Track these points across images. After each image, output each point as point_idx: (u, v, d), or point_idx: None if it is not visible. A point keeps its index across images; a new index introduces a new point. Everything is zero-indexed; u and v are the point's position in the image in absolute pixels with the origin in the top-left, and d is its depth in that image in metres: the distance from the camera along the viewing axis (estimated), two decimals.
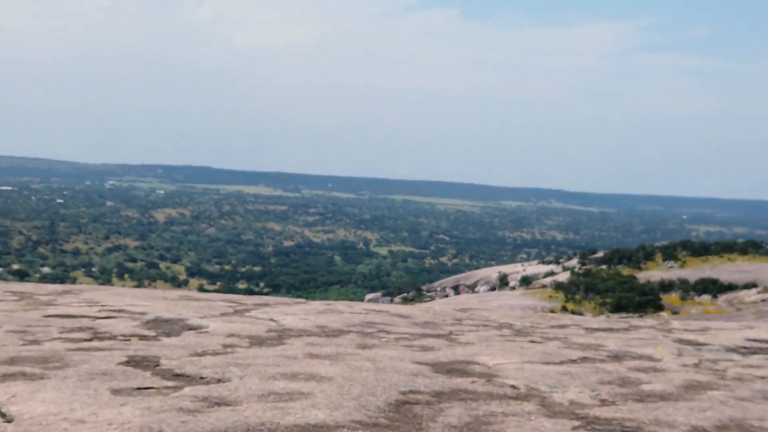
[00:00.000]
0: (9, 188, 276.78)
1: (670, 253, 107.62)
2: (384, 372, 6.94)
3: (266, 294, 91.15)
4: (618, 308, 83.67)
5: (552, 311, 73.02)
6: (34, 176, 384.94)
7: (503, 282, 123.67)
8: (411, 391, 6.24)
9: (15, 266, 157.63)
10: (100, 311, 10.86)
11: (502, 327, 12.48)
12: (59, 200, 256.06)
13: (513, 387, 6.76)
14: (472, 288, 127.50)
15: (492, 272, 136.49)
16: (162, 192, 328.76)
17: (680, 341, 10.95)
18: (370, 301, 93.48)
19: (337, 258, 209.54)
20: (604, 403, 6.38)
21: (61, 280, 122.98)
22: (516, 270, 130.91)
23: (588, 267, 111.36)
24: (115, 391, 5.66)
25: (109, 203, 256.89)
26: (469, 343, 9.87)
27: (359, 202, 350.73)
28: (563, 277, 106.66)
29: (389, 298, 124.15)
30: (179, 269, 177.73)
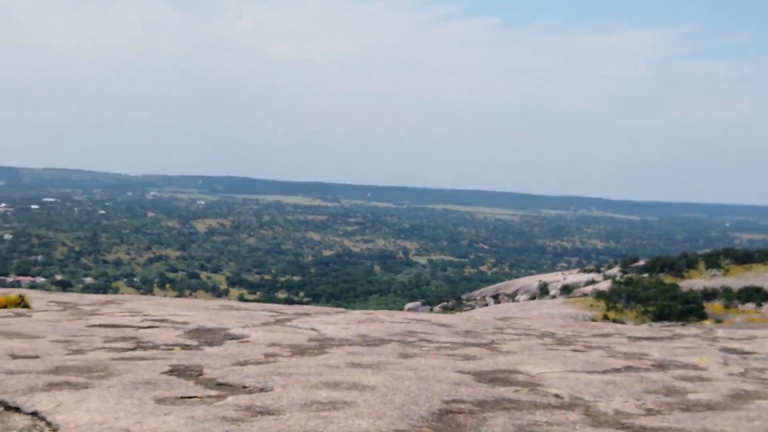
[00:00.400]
0: (52, 200, 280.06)
1: (713, 261, 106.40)
2: (426, 381, 6.90)
3: (306, 303, 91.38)
4: (660, 317, 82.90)
5: (593, 320, 72.50)
6: (76, 188, 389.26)
7: (543, 291, 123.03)
8: (454, 401, 6.20)
9: (58, 277, 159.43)
10: (142, 321, 10.93)
11: (544, 336, 12.39)
12: (101, 211, 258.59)
13: (557, 396, 6.69)
14: (512, 297, 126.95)
15: (532, 281, 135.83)
16: (202, 202, 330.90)
17: (726, 350, 10.80)
18: (409, 310, 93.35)
19: (377, 267, 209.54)
20: (649, 412, 6.30)
21: (104, 291, 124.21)
22: (556, 279, 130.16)
23: (629, 275, 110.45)
24: (159, 401, 5.68)
25: (150, 214, 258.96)
26: (511, 352, 9.81)
27: (398, 212, 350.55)
28: (604, 285, 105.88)
29: (429, 307, 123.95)
30: (220, 279, 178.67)
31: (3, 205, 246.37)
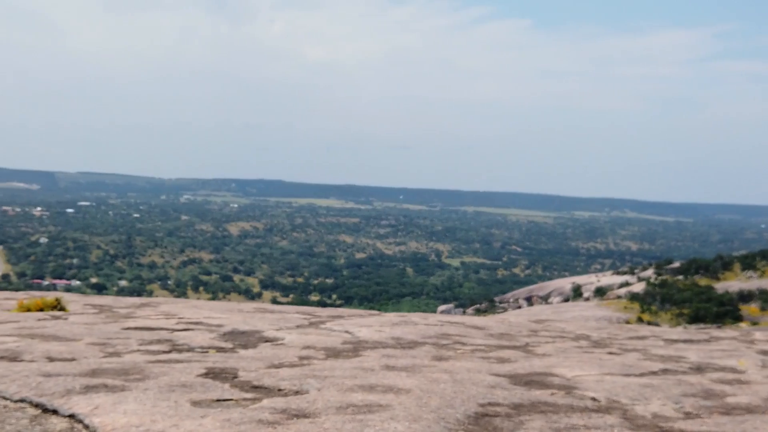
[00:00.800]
0: (88, 203, 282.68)
1: (749, 263, 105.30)
2: (462, 384, 6.87)
3: (339, 306, 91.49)
4: (695, 319, 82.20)
5: (627, 322, 72.00)
6: (111, 191, 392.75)
7: (577, 293, 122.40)
8: (490, 403, 6.16)
9: (93, 279, 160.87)
10: (177, 323, 10.97)
11: (579, 338, 12.31)
12: (136, 215, 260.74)
13: (593, 399, 6.64)
14: (545, 299, 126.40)
15: (565, 283, 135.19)
16: (235, 206, 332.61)
17: (764, 353, 10.68)
18: (442, 312, 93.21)
19: (409, 270, 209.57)
20: (688, 416, 6.23)
21: (138, 293, 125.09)
22: (590, 281, 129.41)
23: (664, 277, 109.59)
24: (195, 403, 5.69)
25: (184, 217, 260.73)
26: (546, 354, 9.75)
27: (431, 214, 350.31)
28: (638, 287, 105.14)
29: (462, 309, 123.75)
30: (253, 282, 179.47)
31: (39, 208, 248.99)
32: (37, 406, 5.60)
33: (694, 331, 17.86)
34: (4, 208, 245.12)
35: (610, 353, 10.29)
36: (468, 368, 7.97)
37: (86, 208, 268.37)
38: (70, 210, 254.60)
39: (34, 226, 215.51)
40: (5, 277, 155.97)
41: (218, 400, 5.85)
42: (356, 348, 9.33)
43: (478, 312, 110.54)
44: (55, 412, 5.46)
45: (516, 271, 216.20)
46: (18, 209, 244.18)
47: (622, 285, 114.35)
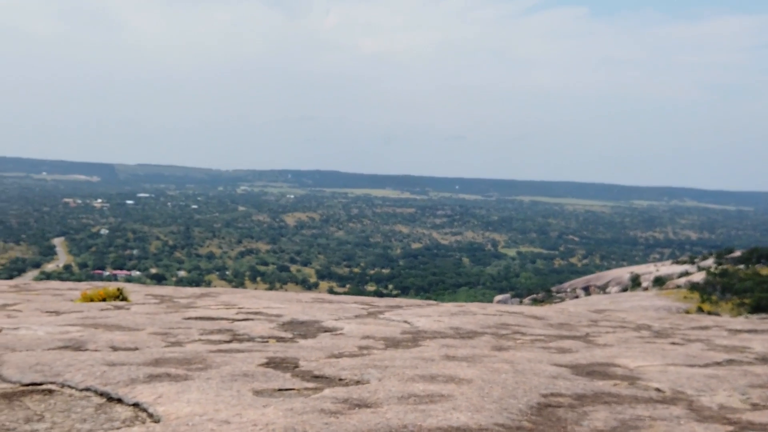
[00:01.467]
0: (147, 195, 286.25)
1: None
2: (523, 374, 6.82)
3: (395, 296, 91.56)
4: (757, 309, 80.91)
5: (687, 312, 71.06)
6: (170, 183, 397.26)
7: (635, 283, 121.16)
8: (552, 394, 6.10)
9: (153, 270, 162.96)
10: (237, 313, 11.05)
11: (640, 328, 12.16)
12: (194, 206, 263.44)
13: (658, 390, 6.54)
14: (603, 289, 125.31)
15: (623, 273, 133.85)
16: (292, 196, 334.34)
17: None
18: (499, 302, 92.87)
19: (465, 260, 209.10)
20: (755, 407, 6.11)
21: (197, 283, 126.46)
22: (648, 270, 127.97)
23: (725, 267, 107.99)
24: (257, 393, 5.71)
25: (241, 208, 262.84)
26: (607, 344, 9.64)
27: (487, 204, 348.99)
28: (698, 277, 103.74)
29: (518, 299, 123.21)
30: (309, 272, 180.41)
31: (100, 200, 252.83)
32: (101, 394, 5.67)
33: (757, 320, 17.56)
34: (66, 200, 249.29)
35: (673, 343, 10.14)
36: (528, 358, 7.91)
37: (145, 199, 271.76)
38: (129, 201, 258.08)
39: (95, 218, 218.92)
40: (67, 267, 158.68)
41: (280, 390, 5.87)
42: (415, 338, 9.32)
43: (535, 302, 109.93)
44: (119, 400, 5.51)
45: (573, 260, 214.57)
46: (79, 201, 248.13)
47: (681, 275, 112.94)
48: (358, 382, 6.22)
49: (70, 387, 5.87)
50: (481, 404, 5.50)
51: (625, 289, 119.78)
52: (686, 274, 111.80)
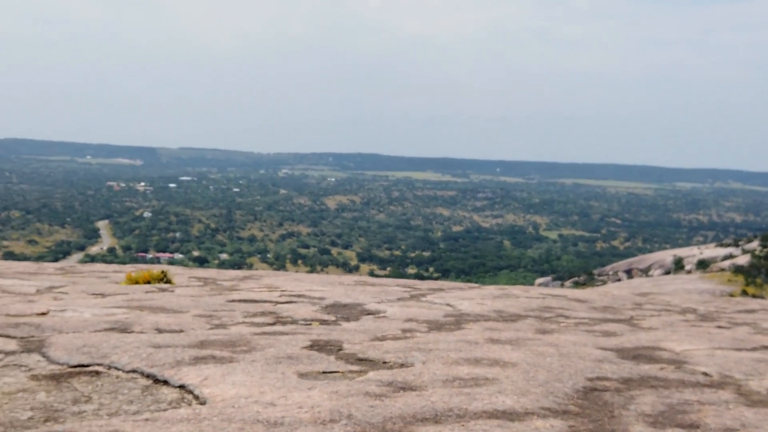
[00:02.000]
0: (189, 178, 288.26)
1: None
2: (568, 358, 6.77)
3: (435, 279, 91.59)
4: None
5: (731, 295, 70.37)
6: (212, 166, 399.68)
7: (678, 266, 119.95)
8: (598, 378, 6.05)
9: (195, 253, 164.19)
10: (280, 296, 11.09)
11: (685, 312, 12.05)
12: (235, 189, 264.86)
13: (705, 374, 6.46)
14: (645, 272, 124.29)
15: (666, 256, 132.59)
16: (333, 179, 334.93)
17: None
18: (540, 285, 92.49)
19: (506, 242, 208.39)
20: None
21: (238, 266, 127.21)
22: (692, 253, 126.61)
23: None
24: (302, 375, 5.72)
25: (282, 191, 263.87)
26: (652, 328, 9.55)
27: (528, 186, 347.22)
28: (743, 260, 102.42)
29: (560, 282, 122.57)
30: (350, 255, 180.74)
31: (143, 184, 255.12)
32: (148, 376, 5.71)
33: None
34: (110, 183, 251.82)
35: (719, 327, 10.03)
36: (573, 342, 7.85)
37: (188, 182, 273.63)
38: (172, 185, 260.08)
39: (138, 201, 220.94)
40: (111, 250, 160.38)
41: (324, 372, 5.88)
42: (458, 321, 9.29)
43: (577, 285, 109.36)
44: (165, 382, 5.55)
45: (615, 243, 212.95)
46: (123, 184, 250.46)
47: (725, 257, 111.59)
48: (402, 365, 6.21)
49: (116, 369, 5.92)
50: (526, 388, 5.46)
51: (667, 272, 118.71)
52: (730, 257, 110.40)
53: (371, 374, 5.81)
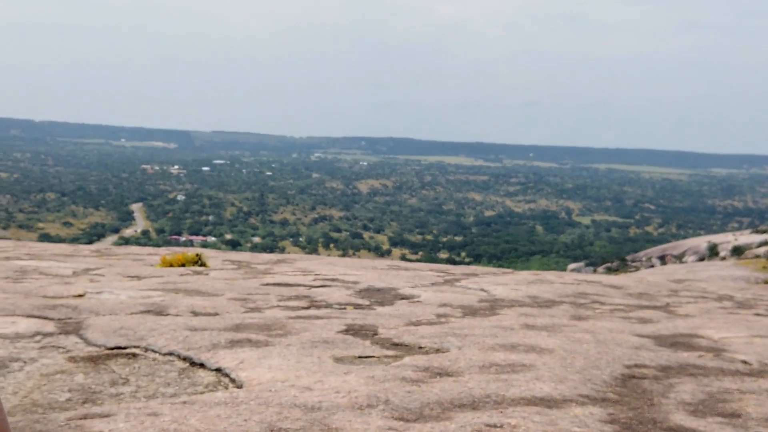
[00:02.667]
0: (222, 162, 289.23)
1: None
2: (605, 344, 6.71)
3: (467, 264, 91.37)
4: None
5: (766, 282, 69.54)
6: (245, 150, 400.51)
7: (713, 252, 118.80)
8: (636, 365, 5.99)
9: (228, 236, 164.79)
10: (314, 280, 11.09)
11: (722, 299, 11.93)
12: (268, 172, 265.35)
13: (744, 362, 6.38)
14: (679, 258, 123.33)
15: (700, 242, 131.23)
16: (365, 163, 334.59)
17: None
18: (572, 270, 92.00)
19: (539, 227, 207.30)
20: None
21: (271, 249, 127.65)
22: (726, 240, 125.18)
23: None
24: (338, 359, 5.71)
25: (314, 175, 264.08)
26: (689, 315, 9.47)
27: (561, 171, 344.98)
28: None
29: (592, 267, 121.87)
30: (382, 239, 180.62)
31: (176, 167, 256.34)
32: (184, 359, 5.72)
33: None
34: (144, 166, 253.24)
35: (757, 314, 9.93)
36: (609, 328, 7.79)
37: (221, 166, 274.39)
38: (205, 168, 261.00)
39: (171, 184, 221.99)
40: (145, 233, 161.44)
41: (360, 357, 5.86)
42: (493, 306, 9.25)
43: (609, 270, 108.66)
44: (202, 365, 5.56)
45: (648, 229, 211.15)
46: (157, 167, 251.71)
47: (761, 244, 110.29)
48: (438, 351, 6.19)
49: (153, 351, 5.94)
50: (563, 375, 5.42)
51: (702, 259, 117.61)
52: (766, 243, 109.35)
53: (407, 359, 5.79)
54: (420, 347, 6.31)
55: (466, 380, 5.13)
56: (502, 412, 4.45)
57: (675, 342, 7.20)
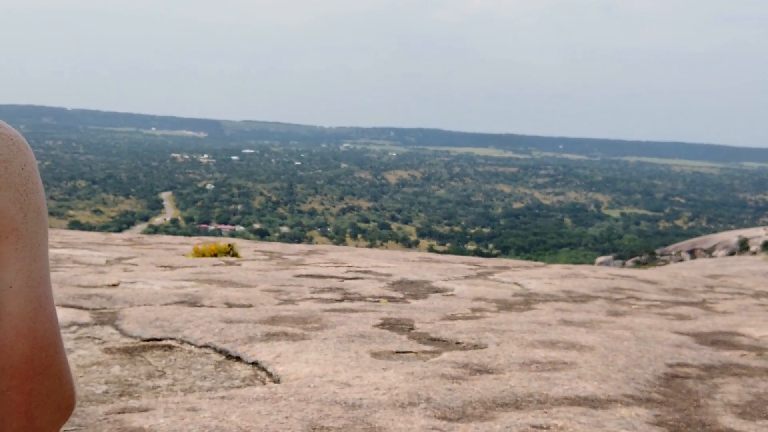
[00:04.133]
0: (251, 151, 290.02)
1: None
2: (645, 342, 6.60)
3: (495, 256, 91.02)
4: None
5: None
6: (274, 140, 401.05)
7: (743, 246, 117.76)
8: (678, 364, 5.88)
9: (256, 225, 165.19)
10: (347, 272, 11.03)
11: (759, 295, 11.75)
12: (297, 162, 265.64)
13: None
14: (709, 252, 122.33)
15: (731, 236, 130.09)
16: (394, 154, 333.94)
17: None
18: (600, 264, 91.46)
19: (567, 220, 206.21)
20: None
21: (299, 240, 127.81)
22: (757, 234, 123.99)
23: None
24: (375, 354, 5.64)
25: (343, 165, 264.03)
26: (727, 312, 9.32)
27: (591, 164, 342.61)
28: None
29: (621, 261, 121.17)
30: (410, 230, 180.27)
31: (206, 156, 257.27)
32: (220, 352, 5.68)
33: None
34: (174, 155, 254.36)
35: None
36: (648, 325, 7.67)
37: (250, 155, 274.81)
38: (234, 157, 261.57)
39: (201, 173, 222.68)
40: (174, 221, 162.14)
41: (398, 352, 5.80)
42: (527, 300, 9.15)
43: (638, 264, 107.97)
44: (238, 358, 5.52)
45: (678, 223, 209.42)
46: (186, 156, 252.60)
47: None
48: (476, 346, 6.10)
49: (189, 343, 5.90)
50: (606, 373, 5.32)
51: (732, 253, 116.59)
52: None
53: (445, 355, 5.71)
54: (457, 342, 6.24)
55: (507, 378, 5.05)
56: (546, 412, 4.37)
57: (716, 340, 7.07)
